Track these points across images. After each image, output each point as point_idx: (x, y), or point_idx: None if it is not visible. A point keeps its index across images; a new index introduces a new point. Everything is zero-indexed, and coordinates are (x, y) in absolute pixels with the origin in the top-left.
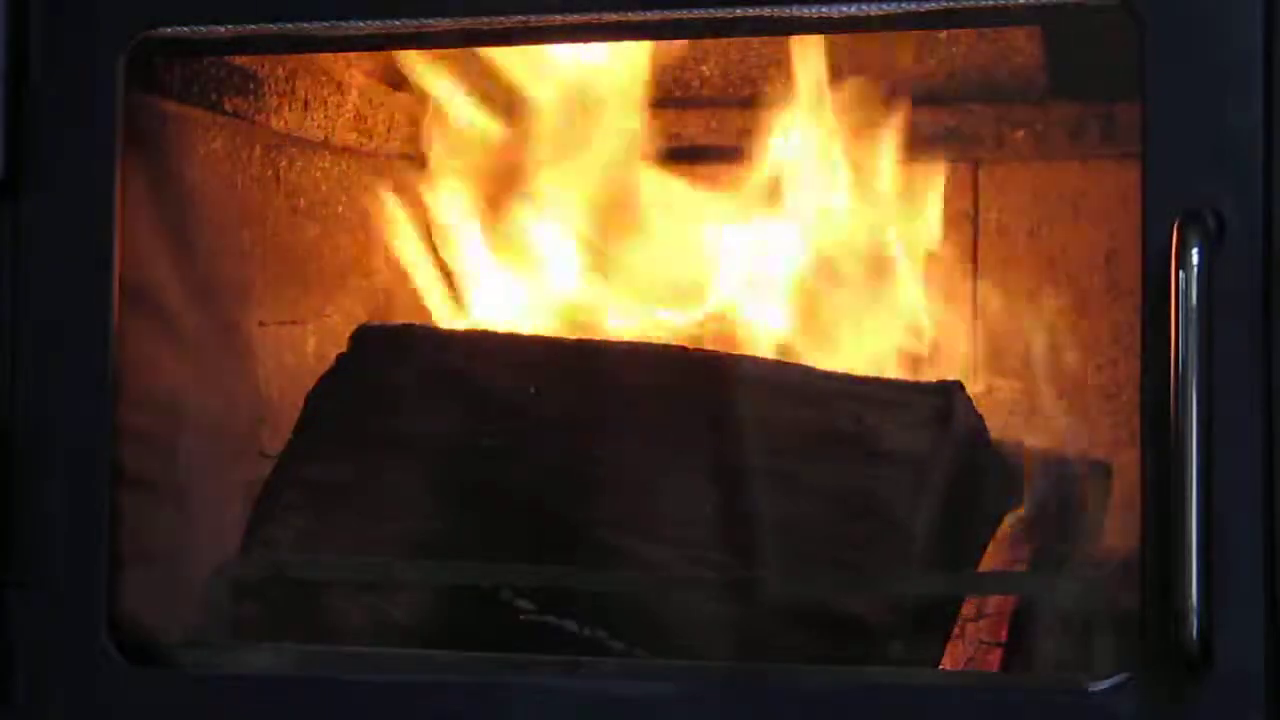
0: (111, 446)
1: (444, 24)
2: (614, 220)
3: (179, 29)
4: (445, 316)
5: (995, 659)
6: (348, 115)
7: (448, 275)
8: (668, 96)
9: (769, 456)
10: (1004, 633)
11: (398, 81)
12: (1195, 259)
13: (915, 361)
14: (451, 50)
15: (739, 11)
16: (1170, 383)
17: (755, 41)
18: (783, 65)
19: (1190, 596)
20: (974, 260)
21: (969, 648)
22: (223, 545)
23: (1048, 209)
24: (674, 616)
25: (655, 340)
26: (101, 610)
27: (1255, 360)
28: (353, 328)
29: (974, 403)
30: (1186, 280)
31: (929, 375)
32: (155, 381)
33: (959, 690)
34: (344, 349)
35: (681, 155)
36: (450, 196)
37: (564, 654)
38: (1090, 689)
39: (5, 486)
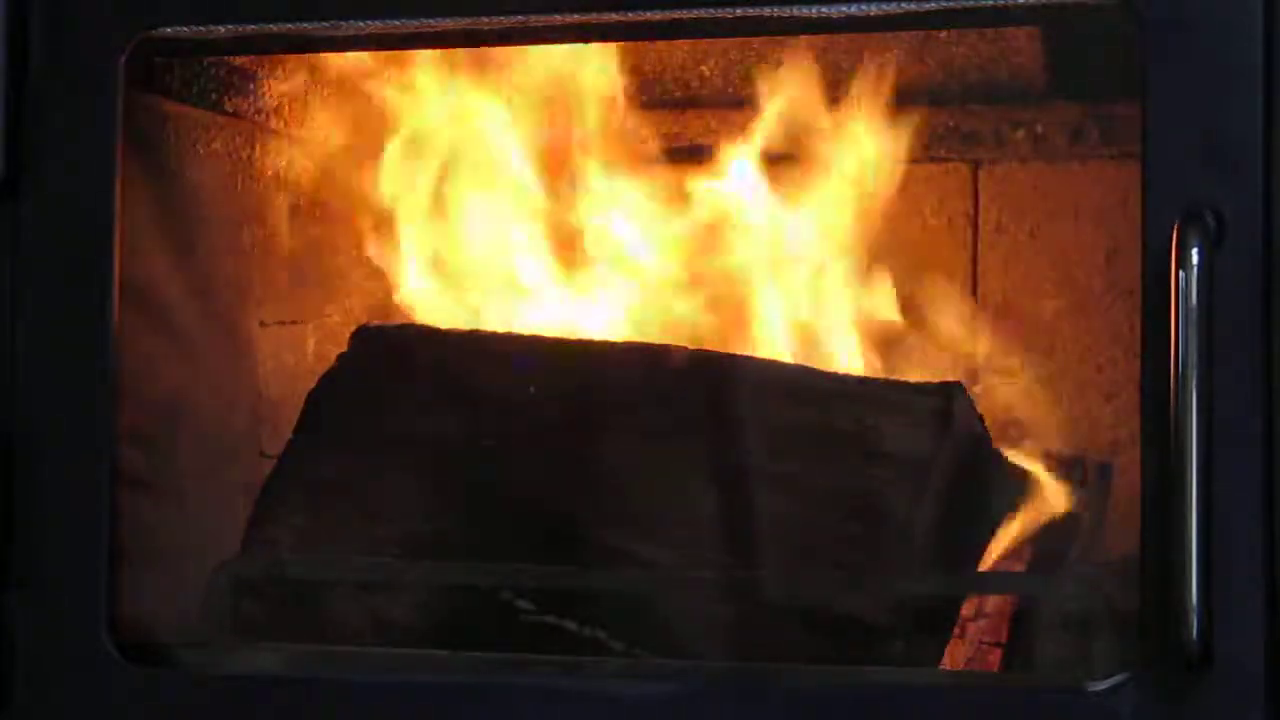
0: (111, 446)
1: (444, 24)
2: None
3: (179, 29)
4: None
5: (995, 659)
6: (345, 114)
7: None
8: (668, 96)
9: (769, 457)
10: (1004, 633)
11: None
12: (1195, 259)
13: (915, 362)
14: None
15: (739, 11)
16: (1170, 383)
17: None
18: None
19: (1190, 596)
20: (974, 260)
21: (969, 648)
22: (223, 545)
23: (1048, 209)
24: (674, 616)
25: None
26: (101, 610)
27: (1255, 360)
28: (353, 328)
29: (974, 403)
30: (1186, 280)
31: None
32: (155, 381)
33: (959, 690)
34: (344, 349)
35: (681, 155)
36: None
37: (564, 654)
38: (1090, 689)
39: (5, 486)
